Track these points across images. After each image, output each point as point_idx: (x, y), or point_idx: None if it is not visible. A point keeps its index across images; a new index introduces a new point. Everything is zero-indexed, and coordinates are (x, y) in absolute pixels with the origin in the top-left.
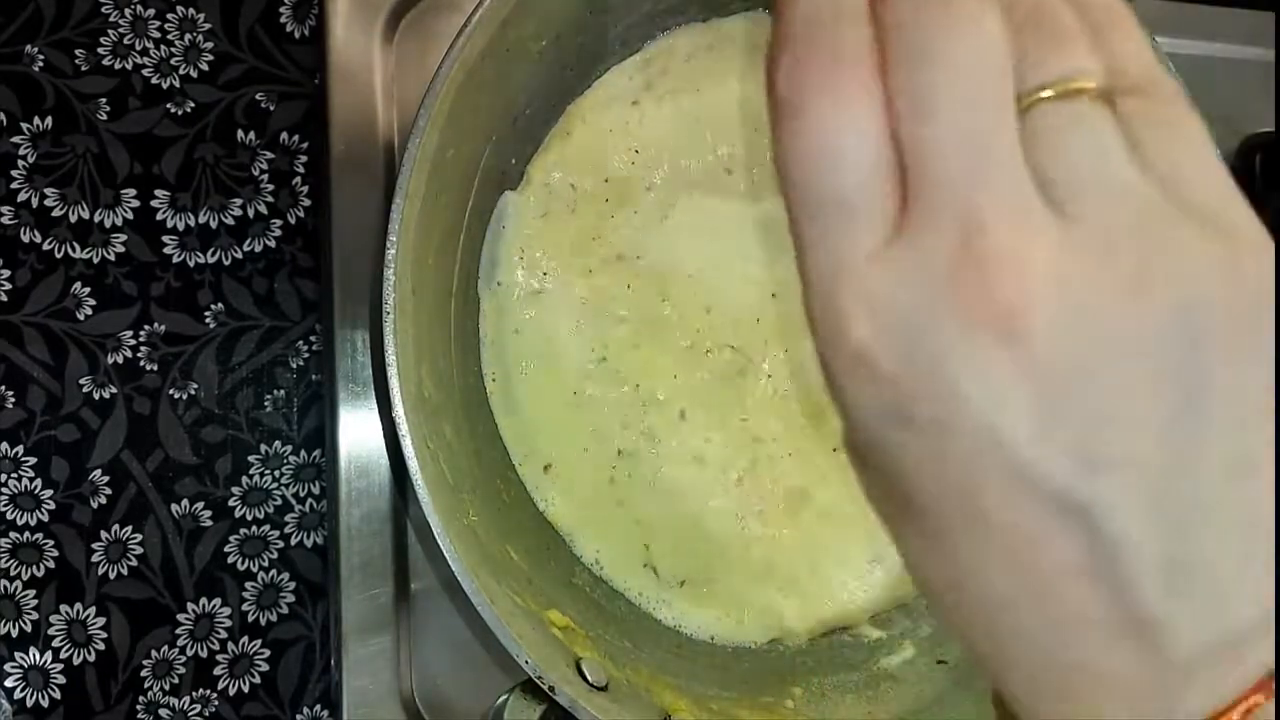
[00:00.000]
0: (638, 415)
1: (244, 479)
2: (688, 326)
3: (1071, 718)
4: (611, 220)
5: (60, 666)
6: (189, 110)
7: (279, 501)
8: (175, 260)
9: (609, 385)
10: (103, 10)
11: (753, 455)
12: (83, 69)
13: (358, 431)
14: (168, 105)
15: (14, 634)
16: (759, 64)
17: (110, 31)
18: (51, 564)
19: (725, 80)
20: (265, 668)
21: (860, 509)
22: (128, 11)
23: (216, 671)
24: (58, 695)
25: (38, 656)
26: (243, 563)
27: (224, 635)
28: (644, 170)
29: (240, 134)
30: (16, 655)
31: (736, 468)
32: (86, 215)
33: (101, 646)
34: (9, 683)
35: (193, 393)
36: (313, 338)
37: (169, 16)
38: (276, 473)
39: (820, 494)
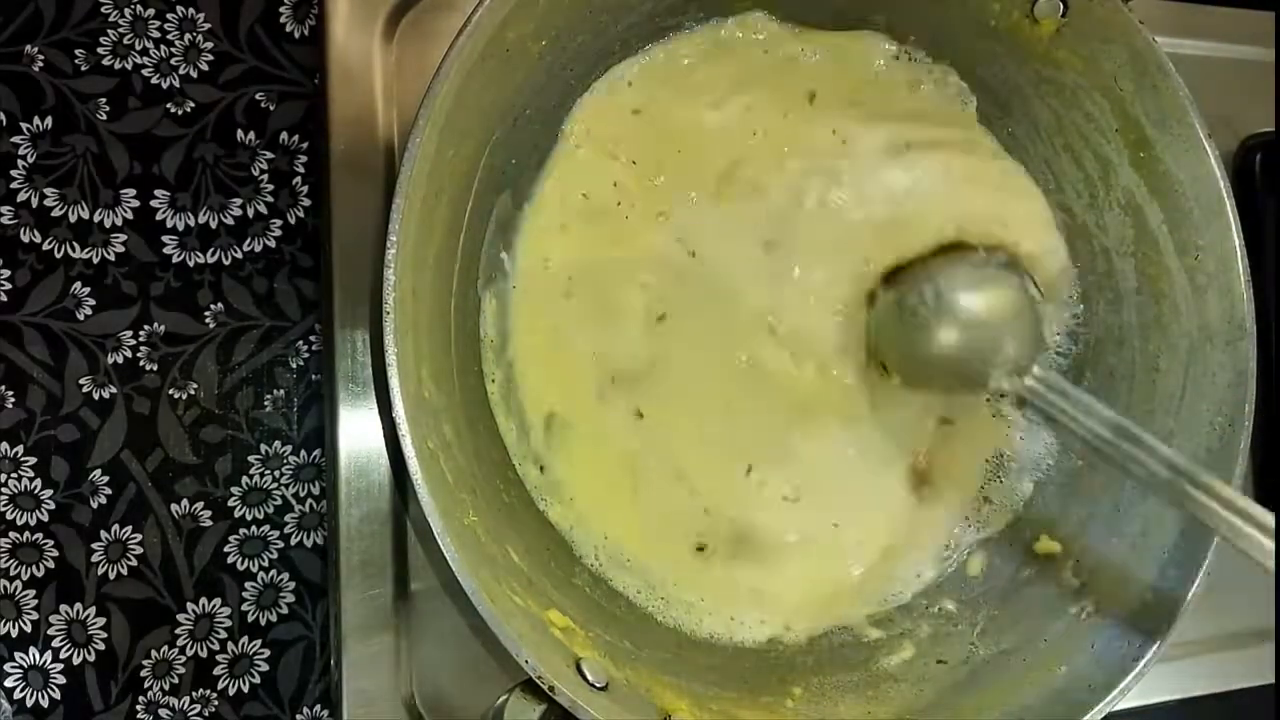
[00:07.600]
0: (643, 416)
1: (244, 479)
2: (696, 330)
3: None
4: (627, 223)
5: (60, 666)
6: (189, 110)
7: (279, 501)
8: (175, 260)
9: (613, 386)
10: (103, 10)
11: (761, 455)
12: (83, 69)
13: (358, 431)
14: (167, 105)
15: (14, 634)
16: (757, 73)
17: (110, 31)
18: (51, 564)
19: (723, 91)
20: (265, 668)
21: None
22: (127, 11)
23: (216, 671)
24: (58, 695)
25: (38, 656)
26: (243, 563)
27: (224, 635)
28: (650, 176)
29: (240, 134)
30: (16, 655)
31: (744, 466)
32: (86, 215)
33: (101, 646)
34: (9, 683)
35: (192, 393)
36: (313, 338)
37: (169, 16)
38: (276, 473)
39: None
